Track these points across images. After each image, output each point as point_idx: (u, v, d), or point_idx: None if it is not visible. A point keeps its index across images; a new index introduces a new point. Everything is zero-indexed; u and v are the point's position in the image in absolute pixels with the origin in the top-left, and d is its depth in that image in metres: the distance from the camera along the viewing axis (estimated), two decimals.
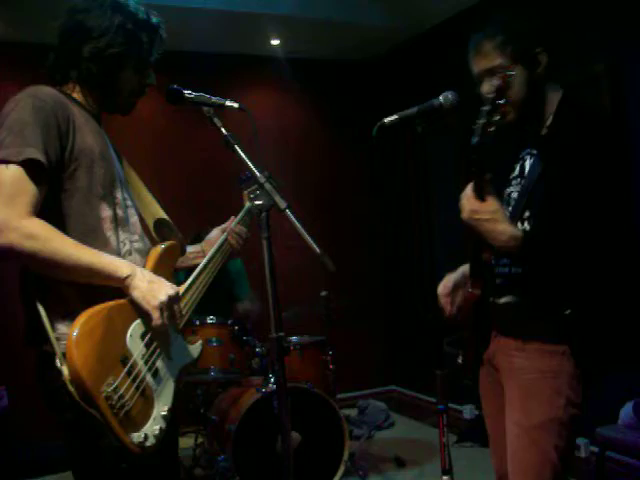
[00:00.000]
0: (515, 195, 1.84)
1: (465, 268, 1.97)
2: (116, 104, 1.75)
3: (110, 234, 1.61)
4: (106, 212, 1.61)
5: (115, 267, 1.52)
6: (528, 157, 1.86)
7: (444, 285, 1.98)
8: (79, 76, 1.66)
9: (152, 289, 1.54)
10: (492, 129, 1.55)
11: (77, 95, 1.68)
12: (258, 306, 4.02)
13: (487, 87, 1.78)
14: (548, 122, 1.80)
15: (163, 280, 1.59)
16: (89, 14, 1.64)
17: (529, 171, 1.82)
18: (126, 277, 1.53)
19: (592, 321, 1.72)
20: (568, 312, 1.69)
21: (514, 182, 1.87)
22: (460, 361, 1.91)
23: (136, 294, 1.54)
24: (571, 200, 1.66)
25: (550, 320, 1.72)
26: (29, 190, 1.45)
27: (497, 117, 1.55)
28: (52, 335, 1.48)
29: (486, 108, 1.56)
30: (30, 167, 1.45)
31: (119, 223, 1.64)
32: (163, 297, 1.54)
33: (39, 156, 1.46)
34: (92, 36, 1.63)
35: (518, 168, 1.88)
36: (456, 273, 2.00)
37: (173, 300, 1.57)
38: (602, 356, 1.74)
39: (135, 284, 1.54)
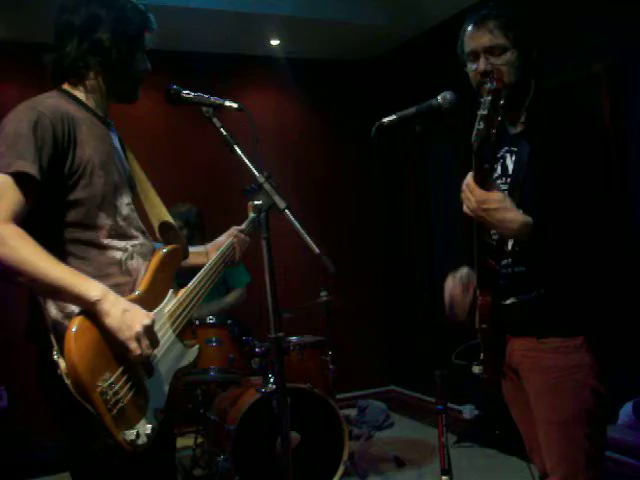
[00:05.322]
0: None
1: (464, 271, 1.96)
2: (128, 89, 1.76)
3: (108, 242, 1.62)
4: (105, 221, 1.62)
5: (85, 288, 1.45)
6: (508, 155, 1.85)
7: (455, 285, 1.93)
8: (102, 63, 1.66)
9: (126, 319, 1.47)
10: (493, 132, 1.53)
11: (82, 95, 1.68)
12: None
13: (483, 64, 1.76)
14: (522, 117, 1.81)
15: (138, 308, 1.52)
16: (97, 3, 1.66)
17: (514, 169, 1.81)
18: (96, 300, 1.45)
19: (603, 309, 1.73)
20: (577, 301, 1.69)
21: (499, 182, 1.85)
22: (476, 371, 1.88)
23: (109, 322, 1.46)
24: (564, 194, 1.66)
25: (562, 314, 1.72)
26: (12, 198, 1.44)
27: (497, 120, 1.53)
28: (51, 328, 1.48)
29: (484, 112, 1.53)
30: (20, 179, 1.45)
31: (119, 230, 1.65)
32: (138, 327, 1.47)
33: (30, 169, 1.46)
34: (109, 19, 1.65)
35: (499, 167, 1.87)
36: (459, 274, 1.97)
37: (149, 329, 1.50)
38: (616, 343, 1.75)
39: (107, 310, 1.46)
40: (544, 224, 1.65)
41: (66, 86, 1.69)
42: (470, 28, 1.79)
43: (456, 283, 1.94)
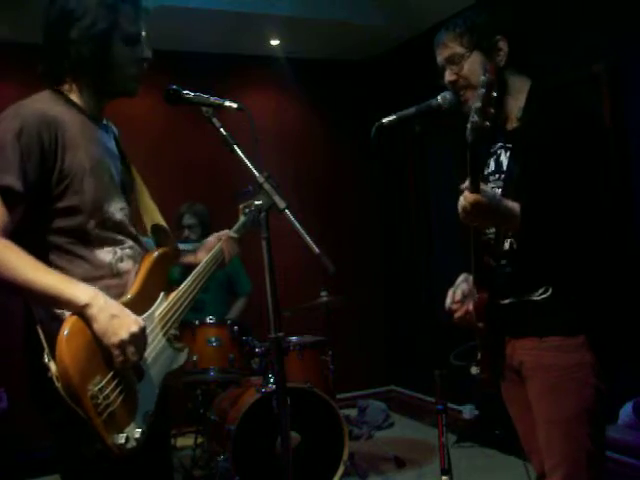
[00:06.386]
0: (499, 191, 1.80)
1: (462, 279, 1.96)
2: (116, 84, 1.69)
3: (97, 247, 1.60)
4: (94, 229, 1.59)
5: (74, 293, 1.43)
6: (502, 151, 1.84)
7: (455, 296, 1.92)
8: (72, 64, 1.62)
9: (113, 325, 1.44)
10: (487, 124, 1.52)
11: (74, 95, 1.65)
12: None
13: (448, 75, 1.83)
14: (518, 113, 1.80)
15: (128, 314, 1.49)
16: (67, 2, 1.61)
17: (508, 166, 1.80)
18: (84, 305, 1.43)
19: (604, 308, 1.72)
20: (578, 300, 1.70)
21: (492, 178, 1.85)
22: (474, 372, 1.88)
23: (96, 328, 1.44)
24: (562, 193, 1.65)
25: (563, 313, 1.72)
26: None
27: (491, 112, 1.52)
28: (41, 331, 1.47)
29: (478, 104, 1.52)
30: (5, 194, 1.44)
31: (108, 237, 1.62)
32: (124, 335, 1.44)
33: (14, 183, 1.45)
34: (75, 17, 1.59)
35: (493, 163, 1.86)
36: (460, 285, 1.96)
37: (137, 337, 1.47)
38: (618, 341, 1.74)
39: (95, 315, 1.43)
40: (530, 213, 1.64)
41: (57, 87, 1.66)
42: (434, 46, 1.89)
43: (457, 295, 1.92)
